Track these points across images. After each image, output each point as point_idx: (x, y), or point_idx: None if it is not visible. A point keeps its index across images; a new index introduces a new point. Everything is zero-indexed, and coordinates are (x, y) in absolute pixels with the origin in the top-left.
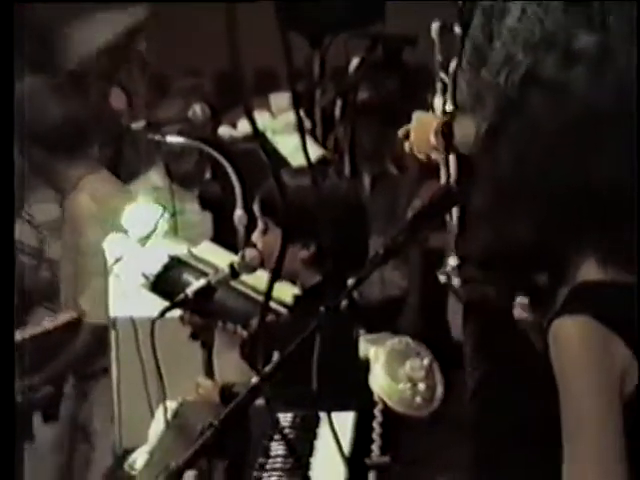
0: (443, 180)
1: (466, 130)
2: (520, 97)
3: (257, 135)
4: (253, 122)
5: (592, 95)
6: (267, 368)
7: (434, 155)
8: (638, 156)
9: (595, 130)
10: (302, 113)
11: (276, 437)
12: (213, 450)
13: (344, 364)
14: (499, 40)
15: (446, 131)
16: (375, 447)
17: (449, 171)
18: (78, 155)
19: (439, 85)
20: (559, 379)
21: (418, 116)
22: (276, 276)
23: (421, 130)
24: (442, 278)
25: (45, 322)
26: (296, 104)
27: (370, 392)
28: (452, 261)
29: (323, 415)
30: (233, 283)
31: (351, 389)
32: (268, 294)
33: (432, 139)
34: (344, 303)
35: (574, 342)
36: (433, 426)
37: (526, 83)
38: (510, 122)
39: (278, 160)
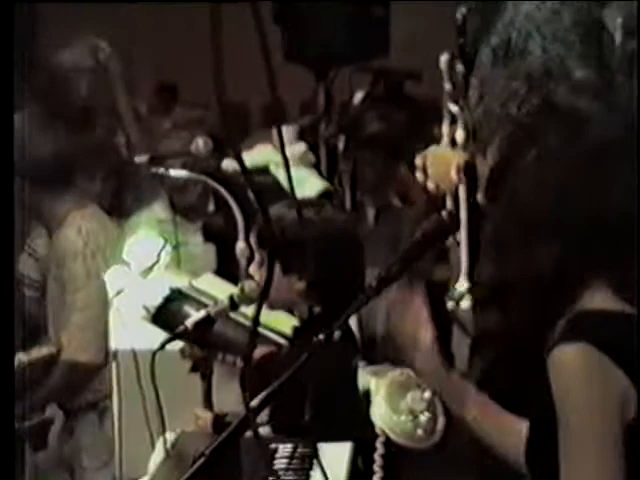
0: (450, 209)
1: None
2: (535, 125)
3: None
4: (241, 162)
5: (602, 123)
6: (256, 400)
7: (443, 186)
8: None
9: (607, 159)
10: (307, 146)
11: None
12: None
13: (341, 395)
14: (505, 72)
15: (470, 168)
16: (376, 479)
17: (457, 201)
18: (65, 190)
19: (447, 117)
20: (558, 405)
21: (435, 150)
22: (262, 301)
23: (439, 164)
24: (450, 304)
25: (20, 355)
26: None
27: (369, 423)
28: (461, 286)
29: (321, 446)
30: (233, 315)
31: (348, 420)
32: (256, 320)
33: (453, 175)
34: (338, 334)
35: (573, 369)
36: (434, 458)
37: (541, 112)
38: (525, 150)
39: (280, 193)
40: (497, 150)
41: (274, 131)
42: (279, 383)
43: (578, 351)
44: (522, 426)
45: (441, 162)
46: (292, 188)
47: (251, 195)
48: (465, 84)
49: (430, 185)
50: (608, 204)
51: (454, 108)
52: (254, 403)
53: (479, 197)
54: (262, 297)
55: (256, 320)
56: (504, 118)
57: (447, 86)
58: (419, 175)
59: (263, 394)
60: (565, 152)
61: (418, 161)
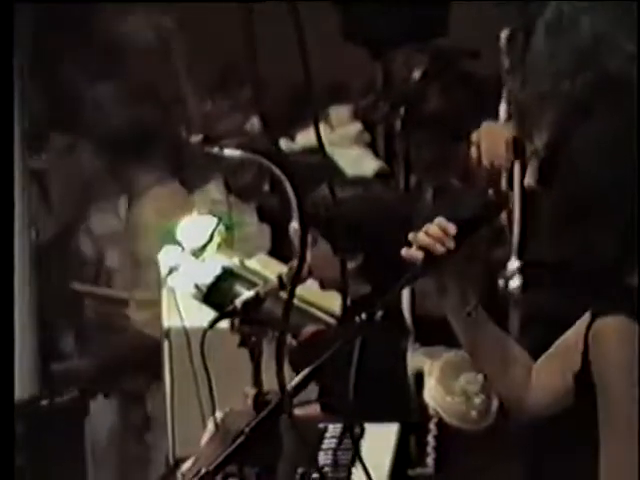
0: (504, 187)
1: None
2: (590, 100)
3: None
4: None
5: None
6: (294, 381)
7: (497, 162)
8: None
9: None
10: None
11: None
12: (243, 457)
13: (388, 376)
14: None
15: (519, 145)
16: (430, 460)
17: (512, 178)
18: (149, 163)
19: (505, 93)
20: (597, 376)
21: (488, 126)
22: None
23: (491, 140)
24: (501, 282)
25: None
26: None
27: (418, 405)
28: (512, 264)
29: (368, 427)
30: (282, 294)
31: (395, 401)
32: (290, 298)
33: (503, 151)
34: (380, 314)
35: (613, 340)
36: (487, 440)
37: (595, 85)
38: (580, 127)
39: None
40: (549, 129)
41: (330, 110)
42: (319, 363)
43: (618, 323)
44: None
45: (494, 138)
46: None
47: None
48: (522, 60)
49: (484, 161)
50: None
51: (510, 84)
52: (293, 382)
53: (529, 180)
54: (296, 275)
55: (290, 298)
56: (556, 95)
57: (505, 62)
58: (473, 151)
59: (302, 374)
60: (621, 126)
61: (473, 137)
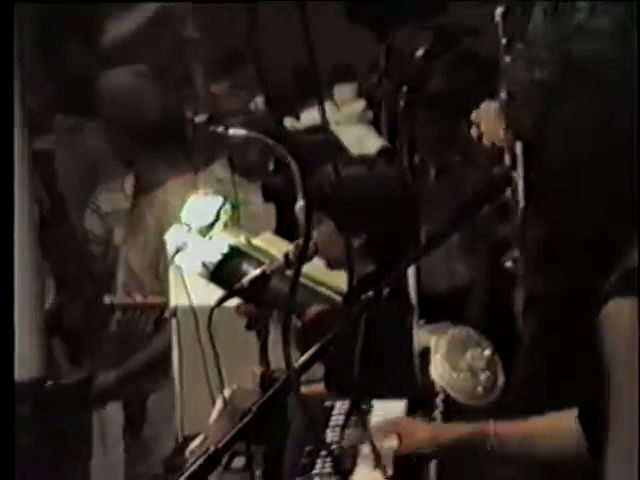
0: (498, 167)
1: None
2: (559, 85)
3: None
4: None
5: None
6: (301, 359)
7: (499, 142)
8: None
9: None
10: (366, 104)
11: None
12: (251, 435)
13: (395, 352)
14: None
15: (514, 123)
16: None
17: (514, 158)
18: (171, 154)
19: (503, 72)
20: (609, 359)
21: (487, 106)
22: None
23: (491, 120)
24: (508, 264)
25: (136, 296)
26: None
27: (424, 381)
28: (516, 250)
29: (375, 403)
30: (288, 273)
31: (402, 377)
32: (295, 276)
33: (501, 131)
34: (387, 291)
35: (625, 322)
36: (494, 416)
37: (561, 69)
38: (557, 110)
39: (339, 151)
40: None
41: (334, 89)
42: (326, 341)
43: (630, 305)
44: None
45: (493, 118)
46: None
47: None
48: (521, 39)
49: (484, 141)
50: None
51: (508, 60)
52: (300, 361)
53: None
54: (302, 254)
55: (296, 276)
56: (531, 84)
57: (503, 40)
58: (474, 131)
59: (309, 353)
60: (594, 107)
61: (473, 116)
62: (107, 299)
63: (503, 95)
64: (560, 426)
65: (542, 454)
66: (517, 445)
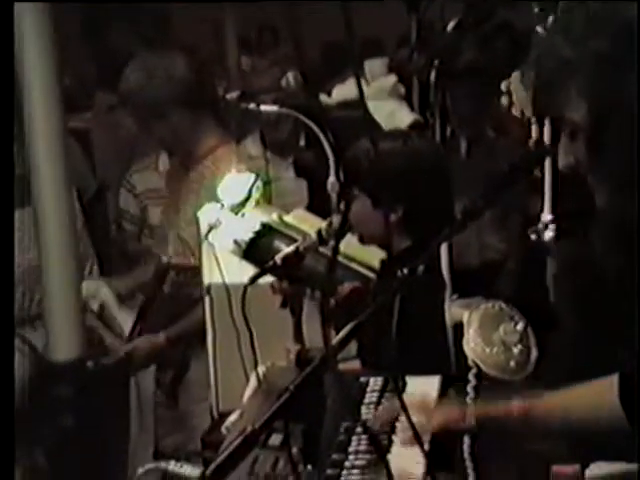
0: (534, 139)
1: None
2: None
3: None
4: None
5: None
6: (337, 338)
7: (527, 112)
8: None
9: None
10: (397, 78)
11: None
12: (289, 414)
13: (429, 328)
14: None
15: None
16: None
17: (542, 130)
18: (214, 124)
19: (535, 40)
20: None
21: (518, 75)
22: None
23: (521, 89)
24: (533, 236)
25: (190, 259)
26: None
27: (459, 356)
28: (545, 217)
29: (409, 379)
30: (322, 249)
31: (437, 353)
32: (334, 254)
33: (530, 102)
34: (422, 268)
35: None
36: (526, 390)
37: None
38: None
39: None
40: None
41: (365, 64)
42: (361, 319)
43: None
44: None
45: (523, 88)
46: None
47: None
48: (554, 8)
49: (514, 111)
50: None
51: (541, 31)
52: (337, 339)
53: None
54: (340, 231)
55: (335, 252)
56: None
57: (536, 9)
58: (504, 100)
59: (345, 330)
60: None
61: (503, 86)
62: (164, 258)
63: (533, 67)
64: (597, 395)
65: (579, 424)
66: (553, 418)
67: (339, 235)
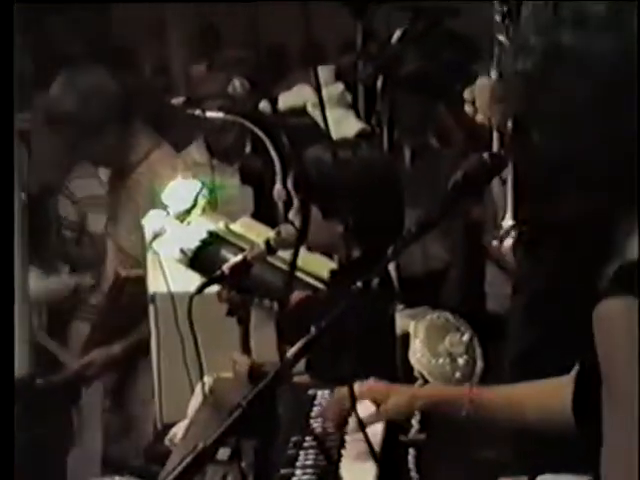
0: (495, 148)
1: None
2: (543, 75)
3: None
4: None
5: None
6: (292, 350)
7: (491, 117)
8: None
9: (619, 93)
10: (344, 86)
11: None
12: (241, 430)
13: (379, 341)
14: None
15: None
16: (414, 422)
17: (503, 138)
18: (145, 129)
19: (497, 48)
20: (602, 361)
21: (483, 81)
22: (299, 247)
23: (486, 95)
24: (494, 243)
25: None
26: None
27: (407, 367)
28: (507, 223)
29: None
30: (270, 259)
31: (386, 365)
32: (292, 265)
33: (494, 106)
34: (376, 281)
35: (617, 324)
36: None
37: (547, 59)
38: (539, 101)
39: (317, 134)
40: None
41: (311, 72)
42: (317, 332)
43: (625, 305)
44: (568, 386)
45: (487, 93)
46: (328, 128)
47: (285, 139)
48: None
49: (479, 117)
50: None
51: (502, 39)
52: (291, 352)
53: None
54: (299, 242)
55: (293, 265)
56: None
57: (497, 17)
58: (468, 108)
59: (300, 344)
60: (578, 95)
61: (467, 94)
62: (120, 270)
63: (493, 75)
64: (549, 392)
65: (527, 420)
66: (501, 409)
67: (297, 247)
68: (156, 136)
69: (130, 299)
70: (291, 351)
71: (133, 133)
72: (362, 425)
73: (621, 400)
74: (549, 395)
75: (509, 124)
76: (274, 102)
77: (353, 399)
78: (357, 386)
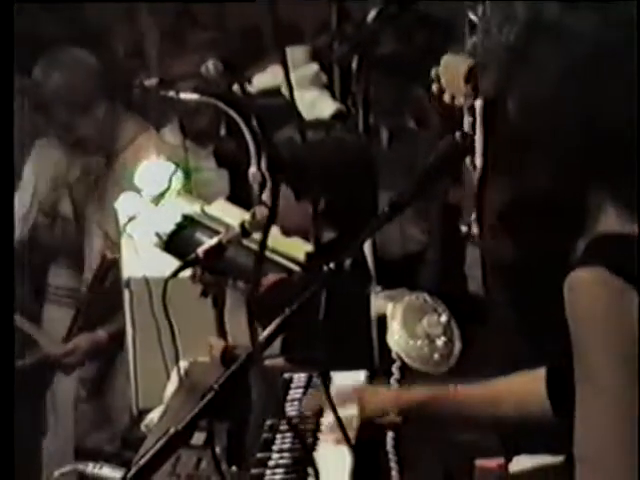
0: (467, 128)
1: None
2: (524, 47)
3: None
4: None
5: (598, 34)
6: (265, 332)
7: (458, 97)
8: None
9: (602, 70)
10: (319, 67)
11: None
12: (214, 413)
13: (355, 323)
14: None
15: (473, 75)
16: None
17: (474, 118)
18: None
19: (467, 27)
20: (572, 330)
21: (448, 58)
22: (269, 228)
23: (452, 73)
24: (464, 229)
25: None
26: None
27: (384, 350)
28: (472, 214)
29: (334, 375)
30: (245, 242)
31: (362, 348)
32: (262, 246)
33: (462, 84)
34: (349, 262)
35: (588, 293)
36: (450, 383)
37: (528, 32)
38: (517, 73)
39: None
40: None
41: (287, 51)
42: (288, 314)
43: (595, 275)
44: (537, 381)
45: (453, 70)
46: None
47: (255, 120)
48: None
49: (445, 98)
50: (610, 117)
51: (473, 17)
52: (263, 335)
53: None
54: (268, 223)
55: (262, 246)
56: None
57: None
58: (434, 87)
59: (272, 326)
60: (555, 68)
61: (433, 72)
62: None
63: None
64: (526, 387)
65: (507, 416)
66: (481, 408)
67: (267, 228)
68: (141, 120)
69: (115, 283)
70: (264, 334)
71: (119, 116)
72: (335, 409)
73: (591, 369)
74: (524, 388)
75: (478, 102)
76: (244, 84)
77: (326, 386)
78: (339, 390)
